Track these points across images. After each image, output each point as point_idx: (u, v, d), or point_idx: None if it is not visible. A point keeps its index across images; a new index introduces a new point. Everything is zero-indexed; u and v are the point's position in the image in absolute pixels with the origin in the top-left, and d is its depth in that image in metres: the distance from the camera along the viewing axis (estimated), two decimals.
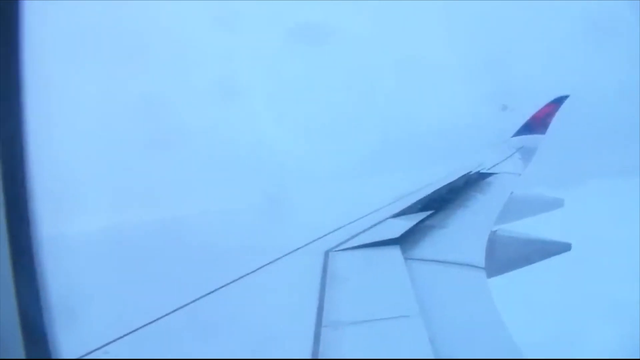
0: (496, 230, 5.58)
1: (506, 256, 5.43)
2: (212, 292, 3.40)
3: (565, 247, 5.84)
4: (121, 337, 2.79)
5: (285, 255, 4.15)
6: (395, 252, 4.25)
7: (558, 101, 11.99)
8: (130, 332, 2.85)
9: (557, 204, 8.08)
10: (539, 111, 11.96)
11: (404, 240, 4.50)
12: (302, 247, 4.35)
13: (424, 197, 5.90)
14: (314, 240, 4.50)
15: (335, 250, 4.29)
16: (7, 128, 1.88)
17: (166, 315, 3.05)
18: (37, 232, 1.98)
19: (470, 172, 7.50)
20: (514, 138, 11.56)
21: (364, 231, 4.80)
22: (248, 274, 3.73)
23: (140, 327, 2.91)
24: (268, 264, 3.95)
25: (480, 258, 4.23)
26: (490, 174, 8.00)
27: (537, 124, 11.77)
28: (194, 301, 3.25)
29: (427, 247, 4.65)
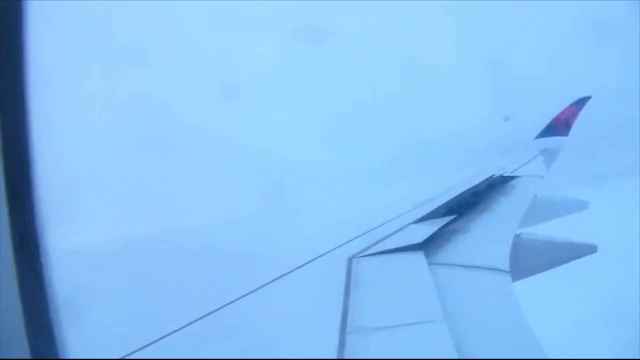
0: (520, 234, 5.55)
1: (531, 259, 5.39)
2: (238, 299, 3.42)
3: (590, 249, 5.78)
4: (147, 346, 2.82)
5: (309, 262, 4.17)
6: (419, 257, 4.25)
7: (580, 102, 11.91)
8: (155, 341, 2.88)
9: (581, 205, 8.01)
10: (561, 113, 11.90)
11: (428, 245, 4.49)
12: (326, 253, 4.36)
13: (447, 201, 5.89)
14: (337, 247, 4.50)
15: (359, 257, 4.29)
16: (11, 131, 1.89)
17: (189, 324, 3.08)
18: (43, 239, 2.00)
19: (493, 175, 7.47)
20: (537, 140, 11.50)
21: (387, 237, 4.80)
22: (272, 281, 3.75)
23: (165, 336, 2.94)
24: (291, 271, 3.96)
25: (504, 262, 4.21)
26: (513, 177, 7.96)
27: (559, 125, 11.70)
28: (218, 309, 3.27)
29: (451, 251, 4.64)
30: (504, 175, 7.88)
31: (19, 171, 1.92)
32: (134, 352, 2.74)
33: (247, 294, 3.50)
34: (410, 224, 5.23)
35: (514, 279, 3.99)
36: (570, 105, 11.92)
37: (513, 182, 7.75)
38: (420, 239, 4.53)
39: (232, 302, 3.38)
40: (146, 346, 2.81)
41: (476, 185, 6.71)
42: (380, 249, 4.44)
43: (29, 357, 1.91)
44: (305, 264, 4.12)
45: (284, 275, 3.86)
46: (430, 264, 4.12)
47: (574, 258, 5.70)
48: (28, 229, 1.96)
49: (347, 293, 3.57)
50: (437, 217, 5.41)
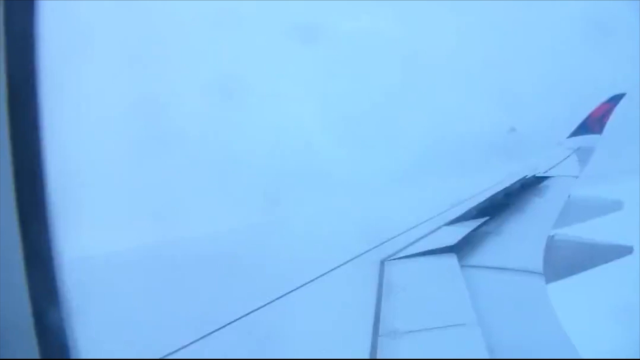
0: (554, 235, 5.49)
1: (565, 261, 5.33)
2: (272, 301, 3.45)
3: (627, 251, 5.70)
4: (182, 348, 2.86)
5: (342, 265, 4.18)
6: (451, 259, 4.23)
7: (614, 100, 11.74)
8: (189, 344, 2.91)
9: (616, 206, 7.90)
10: (595, 110, 11.75)
11: (461, 248, 4.47)
12: (358, 256, 4.37)
13: (480, 203, 5.85)
14: (369, 249, 4.51)
15: (391, 259, 4.29)
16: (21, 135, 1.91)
17: (221, 327, 3.11)
18: (54, 244, 2.02)
19: (526, 175, 7.40)
20: (570, 139, 11.37)
21: (419, 239, 4.78)
22: (305, 284, 3.77)
23: (198, 339, 2.97)
24: (324, 274, 3.97)
25: (538, 264, 4.18)
26: (546, 177, 7.88)
27: (593, 123, 11.55)
28: (250, 312, 3.30)
29: (484, 254, 4.61)
30: (538, 175, 7.80)
31: (28, 175, 1.94)
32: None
33: (281, 297, 3.52)
34: (442, 226, 5.21)
35: (548, 281, 3.95)
36: (604, 103, 11.77)
37: (547, 182, 7.67)
38: (452, 241, 4.50)
39: (266, 304, 3.41)
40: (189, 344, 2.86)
41: (509, 186, 6.66)
42: (412, 252, 4.43)
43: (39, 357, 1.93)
44: (338, 266, 4.13)
45: (317, 278, 3.88)
46: (462, 266, 4.11)
47: (610, 260, 5.62)
48: (39, 233, 1.98)
49: (379, 296, 3.57)
50: (470, 219, 5.38)
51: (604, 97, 11.91)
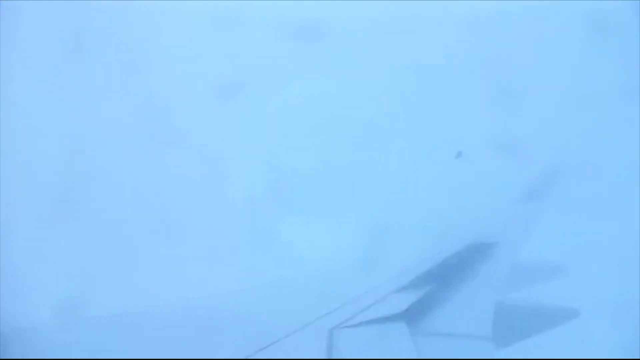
0: (502, 300, 5.52)
1: (514, 326, 5.35)
2: None
3: (572, 314, 5.76)
4: None
5: (289, 334, 4.11)
6: (401, 327, 4.21)
7: None
8: None
9: (561, 270, 8.01)
10: (540, 177, 12.02)
11: (410, 314, 4.45)
12: (306, 325, 4.31)
13: (428, 269, 5.87)
14: (317, 318, 4.45)
15: (340, 327, 4.24)
16: None
17: None
18: None
19: (474, 240, 7.47)
20: (515, 205, 11.58)
21: (368, 307, 4.75)
22: (252, 354, 3.69)
23: None
24: (272, 343, 3.90)
25: (487, 329, 4.19)
26: (494, 242, 7.96)
27: (538, 190, 11.81)
28: None
29: (433, 320, 4.60)
30: (485, 240, 7.88)
31: None
32: None
33: None
34: (391, 292, 5.20)
35: (498, 346, 3.96)
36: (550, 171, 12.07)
37: (494, 247, 7.74)
38: (402, 308, 4.49)
39: None
40: None
41: (457, 252, 6.70)
42: (361, 320, 4.40)
43: None
44: (285, 336, 4.07)
45: (263, 348, 3.81)
46: (412, 333, 4.08)
47: (557, 324, 5.67)
48: None
49: None
50: (418, 285, 5.38)
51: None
